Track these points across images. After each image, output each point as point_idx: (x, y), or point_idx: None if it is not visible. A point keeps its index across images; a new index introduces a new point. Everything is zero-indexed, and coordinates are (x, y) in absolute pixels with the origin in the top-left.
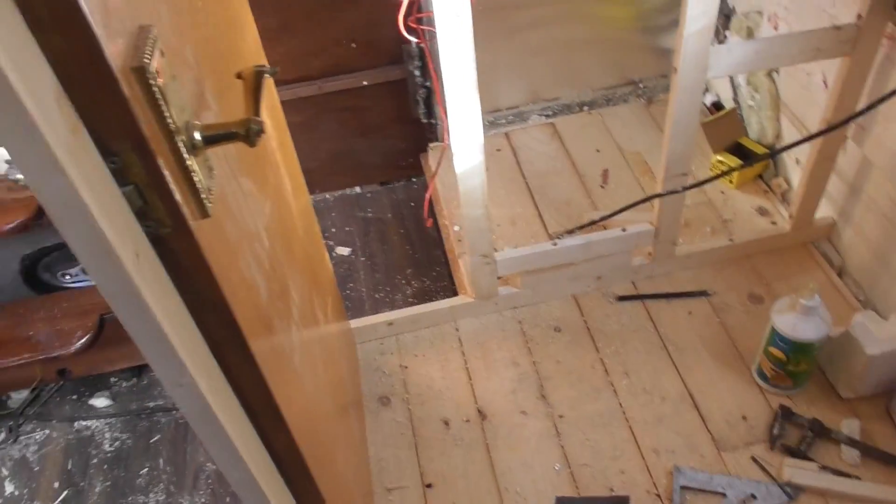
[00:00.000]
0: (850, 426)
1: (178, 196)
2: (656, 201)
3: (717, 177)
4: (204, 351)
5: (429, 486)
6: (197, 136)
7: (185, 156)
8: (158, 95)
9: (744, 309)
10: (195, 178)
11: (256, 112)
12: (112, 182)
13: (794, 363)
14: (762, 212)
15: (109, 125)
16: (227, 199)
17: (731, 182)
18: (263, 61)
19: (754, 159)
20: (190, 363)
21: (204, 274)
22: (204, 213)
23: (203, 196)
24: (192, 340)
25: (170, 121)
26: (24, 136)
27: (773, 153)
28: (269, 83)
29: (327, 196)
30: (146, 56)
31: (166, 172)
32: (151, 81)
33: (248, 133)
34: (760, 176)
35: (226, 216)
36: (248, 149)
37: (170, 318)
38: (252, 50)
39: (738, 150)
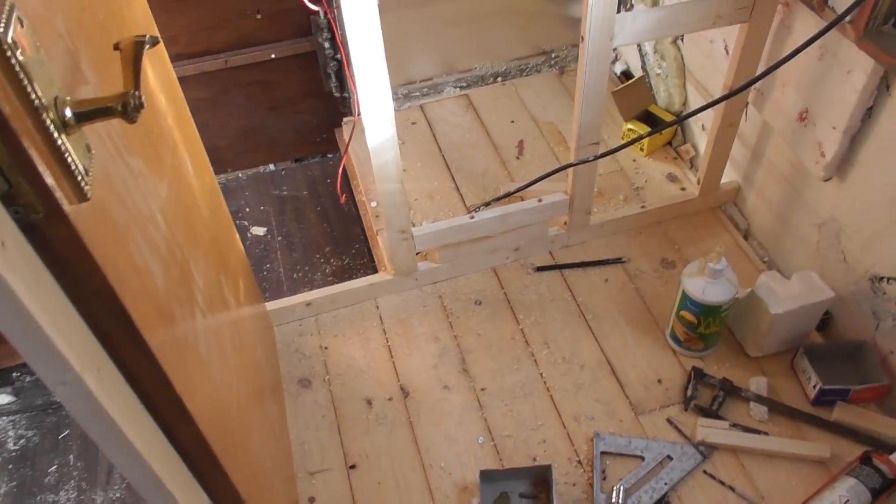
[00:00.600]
0: (758, 384)
1: (48, 178)
2: (570, 171)
3: (626, 145)
4: (91, 344)
5: (352, 467)
6: (68, 112)
7: (55, 135)
8: (18, 69)
9: (657, 274)
10: (69, 159)
11: (136, 86)
12: None
13: (705, 325)
14: (672, 178)
15: None
16: (111, 180)
17: (641, 150)
18: (154, 33)
19: (660, 126)
20: (73, 358)
21: (85, 262)
22: (82, 197)
23: (79, 178)
24: (76, 334)
25: (34, 96)
26: None
27: (678, 120)
28: (163, 58)
29: (240, 175)
30: (0, 25)
31: (33, 153)
32: (9, 53)
33: (126, 108)
34: (670, 143)
35: (111, 199)
36: (137, 127)
37: (47, 311)
38: (140, 21)
39: (648, 118)
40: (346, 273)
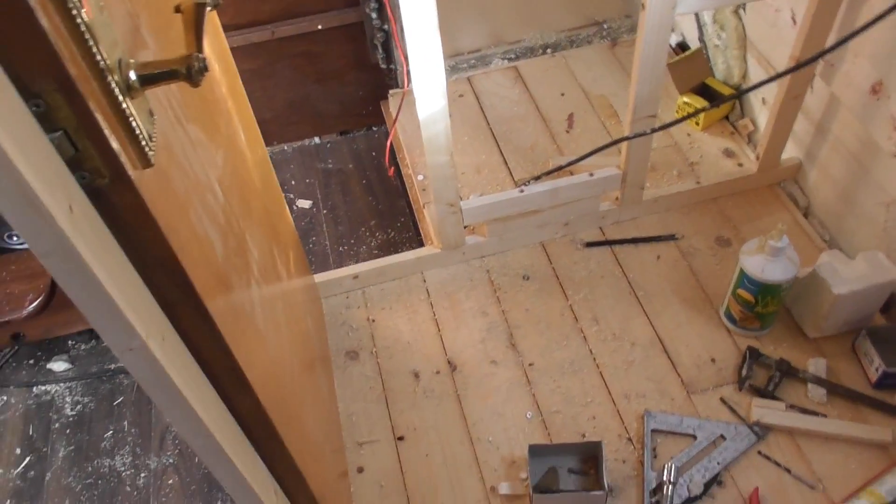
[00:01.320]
0: (816, 365)
1: (114, 143)
2: (623, 145)
3: (683, 119)
4: (156, 312)
5: (400, 438)
6: (132, 75)
7: (120, 98)
8: (84, 28)
9: (711, 252)
10: (133, 124)
11: (199, 48)
12: (37, 127)
13: (763, 305)
14: (728, 153)
15: (28, 63)
16: (172, 147)
17: (697, 124)
18: None
19: (721, 100)
20: (139, 325)
21: (150, 229)
22: (146, 163)
23: (143, 143)
24: (141, 301)
25: (99, 58)
26: None
27: (741, 93)
28: (216, 26)
29: (285, 147)
30: None
31: (99, 116)
32: (74, 12)
33: (190, 71)
34: (727, 117)
35: (172, 166)
36: (195, 94)
37: (113, 277)
38: None
39: (705, 91)
40: (391, 247)
